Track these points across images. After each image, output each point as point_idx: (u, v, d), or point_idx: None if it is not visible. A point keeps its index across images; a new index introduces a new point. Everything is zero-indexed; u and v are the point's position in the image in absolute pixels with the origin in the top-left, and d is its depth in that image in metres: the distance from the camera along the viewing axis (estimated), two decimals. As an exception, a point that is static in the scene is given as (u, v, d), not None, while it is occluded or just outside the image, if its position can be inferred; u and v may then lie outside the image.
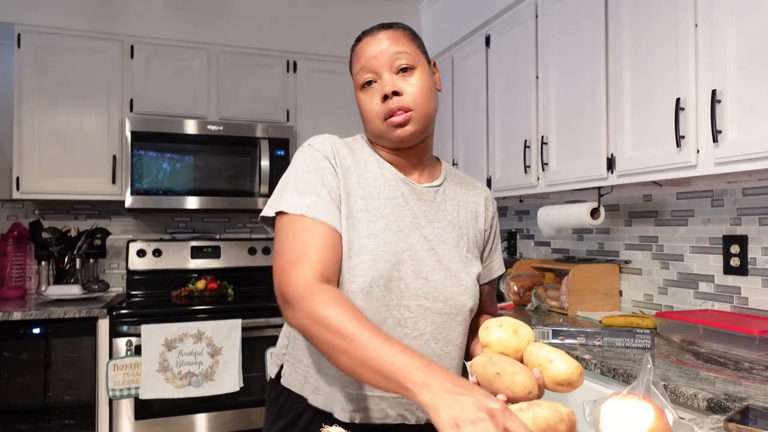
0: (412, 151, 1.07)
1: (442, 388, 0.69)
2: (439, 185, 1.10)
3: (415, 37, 1.07)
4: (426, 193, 1.07)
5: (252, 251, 3.41)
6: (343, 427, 0.92)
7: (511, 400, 0.79)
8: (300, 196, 0.96)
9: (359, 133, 1.14)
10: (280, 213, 0.97)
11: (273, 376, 1.11)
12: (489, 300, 1.22)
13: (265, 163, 3.08)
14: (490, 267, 1.19)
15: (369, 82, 1.03)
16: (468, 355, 1.10)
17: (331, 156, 1.02)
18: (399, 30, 1.05)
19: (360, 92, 1.05)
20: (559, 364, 0.83)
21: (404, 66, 1.01)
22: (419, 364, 0.73)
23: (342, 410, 0.98)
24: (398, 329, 0.99)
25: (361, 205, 1.01)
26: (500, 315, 1.05)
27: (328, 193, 0.98)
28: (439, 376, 0.71)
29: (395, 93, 1.00)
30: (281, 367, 1.09)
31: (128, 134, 2.92)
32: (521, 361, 0.87)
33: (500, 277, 2.76)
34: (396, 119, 1.00)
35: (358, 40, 1.07)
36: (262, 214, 1.01)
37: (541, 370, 0.83)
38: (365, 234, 0.98)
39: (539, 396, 0.81)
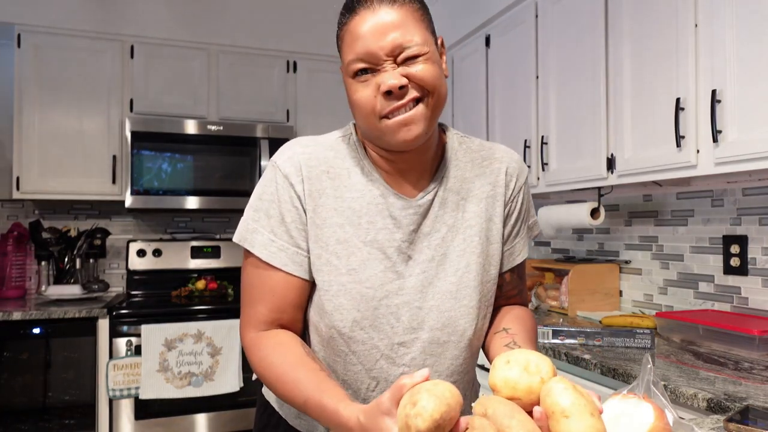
0: (409, 154, 0.89)
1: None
2: (437, 186, 0.92)
3: (424, 12, 0.87)
4: (420, 206, 0.90)
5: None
6: None
7: None
8: (257, 230, 0.88)
9: (351, 121, 0.96)
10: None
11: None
12: (514, 289, 1.02)
13: (265, 163, 3.08)
14: (511, 252, 0.99)
15: (364, 71, 0.83)
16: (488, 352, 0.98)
17: (298, 181, 0.88)
18: (406, 5, 0.83)
19: (350, 80, 0.85)
20: (574, 424, 0.64)
21: (413, 55, 0.82)
22: (335, 401, 0.74)
23: None
24: (394, 368, 0.89)
25: (339, 235, 0.87)
26: (512, 344, 0.90)
27: (286, 232, 0.88)
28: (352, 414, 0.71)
29: (401, 88, 0.81)
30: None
31: (128, 134, 2.92)
32: (538, 403, 0.69)
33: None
34: (400, 118, 0.82)
35: (351, 9, 0.84)
36: (235, 237, 0.93)
37: (550, 421, 0.66)
38: (345, 270, 0.87)
39: None
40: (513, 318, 0.98)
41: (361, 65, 0.82)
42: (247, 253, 0.90)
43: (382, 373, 0.89)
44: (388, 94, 0.81)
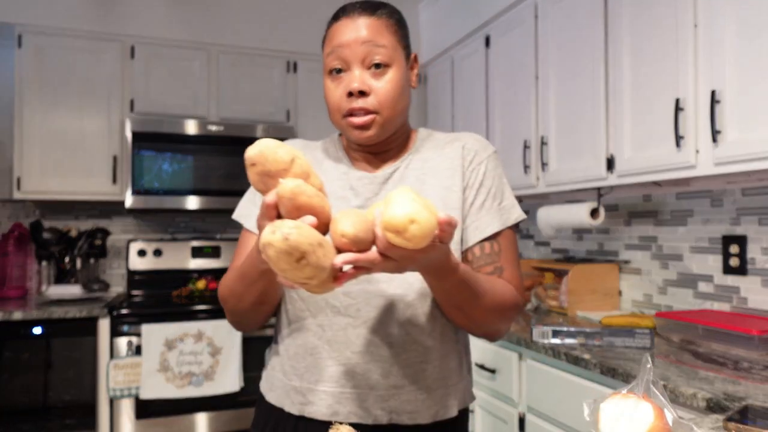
0: (373, 147, 1.00)
1: None
2: (399, 164, 1.00)
3: (399, 28, 0.97)
4: (377, 176, 0.98)
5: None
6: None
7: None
8: (244, 204, 1.05)
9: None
10: None
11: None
12: (488, 265, 0.97)
13: (265, 163, 3.08)
14: (477, 226, 0.97)
15: (338, 70, 0.94)
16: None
17: None
18: (383, 18, 0.95)
19: (327, 77, 0.96)
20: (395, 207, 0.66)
21: (378, 62, 0.92)
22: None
23: (291, 403, 0.96)
24: (339, 318, 0.93)
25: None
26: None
27: None
28: None
29: (361, 93, 0.92)
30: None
31: (129, 134, 2.92)
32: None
33: None
34: (356, 120, 0.92)
35: (336, 17, 0.96)
36: (233, 215, 1.07)
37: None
38: None
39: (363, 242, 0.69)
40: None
41: (336, 64, 0.94)
42: (242, 229, 1.05)
43: (327, 322, 0.94)
44: (350, 94, 0.92)
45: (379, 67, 0.93)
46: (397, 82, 0.94)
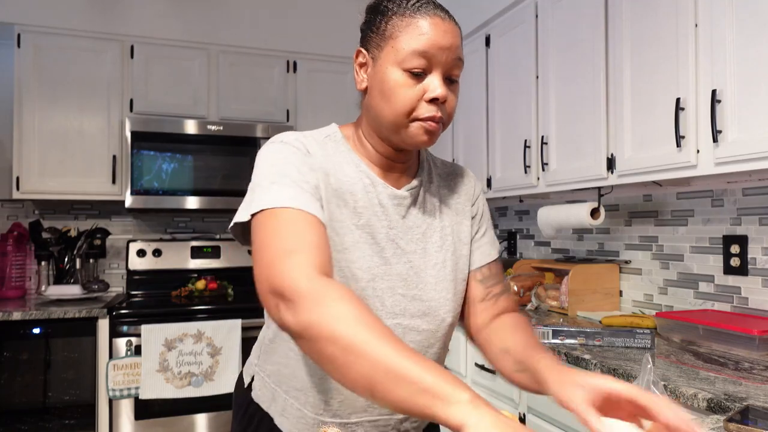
0: (405, 155, 0.96)
1: (487, 411, 0.58)
2: (419, 185, 0.98)
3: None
4: (405, 197, 0.95)
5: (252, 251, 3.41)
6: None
7: None
8: (280, 189, 0.81)
9: (334, 123, 1.01)
10: (256, 214, 0.82)
11: (245, 386, 1.06)
12: (497, 284, 1.04)
13: (265, 163, 3.08)
14: (482, 252, 1.04)
15: (421, 72, 0.85)
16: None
17: (304, 150, 0.90)
18: (459, 29, 0.90)
19: (400, 71, 0.85)
20: None
21: (454, 77, 0.89)
22: (460, 381, 0.62)
23: None
24: None
25: (336, 215, 0.89)
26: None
27: (311, 187, 0.85)
28: (483, 402, 0.60)
29: (442, 102, 0.87)
30: (252, 378, 1.06)
31: (128, 134, 2.92)
32: None
33: None
34: (432, 126, 0.87)
35: (419, 8, 0.86)
36: (234, 220, 0.85)
37: None
38: (340, 247, 0.89)
39: None
40: (517, 332, 0.98)
41: (422, 62, 0.85)
42: (269, 215, 0.79)
43: None
44: (434, 101, 0.86)
45: (452, 82, 0.89)
46: (457, 99, 0.92)
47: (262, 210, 0.80)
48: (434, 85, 0.85)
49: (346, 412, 0.94)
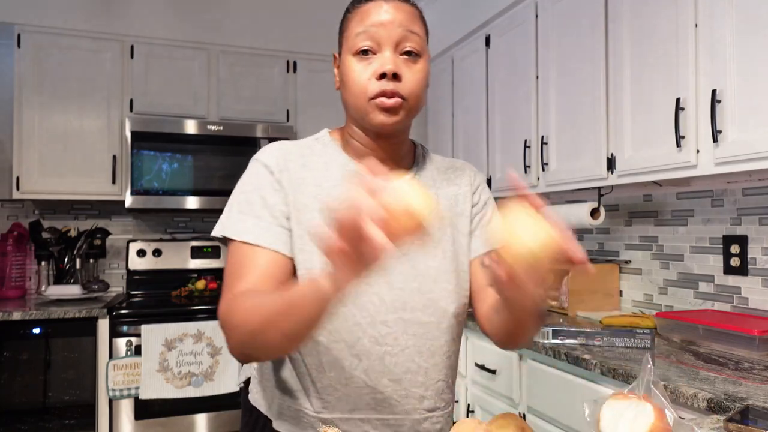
0: (387, 143, 0.96)
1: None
2: (412, 177, 0.98)
3: (425, 23, 0.96)
4: None
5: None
6: None
7: None
8: (240, 218, 0.90)
9: (326, 128, 1.05)
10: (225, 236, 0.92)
11: (242, 385, 1.05)
12: None
13: (265, 163, 3.08)
14: (487, 238, 1.04)
15: (365, 51, 0.89)
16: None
17: (277, 170, 0.93)
18: (414, 8, 0.92)
19: (352, 57, 0.90)
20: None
21: (410, 50, 0.89)
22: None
23: None
24: (376, 347, 0.91)
25: (320, 220, 0.90)
26: None
27: (270, 214, 0.90)
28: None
29: (395, 75, 0.87)
30: (248, 379, 1.05)
31: (128, 134, 2.92)
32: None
33: None
34: (387, 102, 0.87)
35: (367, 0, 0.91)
36: (213, 232, 0.94)
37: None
38: None
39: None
40: None
41: (368, 43, 0.88)
42: (231, 246, 0.90)
43: (364, 351, 0.91)
44: (382, 76, 0.87)
45: (411, 54, 0.90)
46: (426, 73, 0.92)
47: (227, 237, 0.91)
48: (381, 61, 0.88)
49: (347, 408, 0.92)
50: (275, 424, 0.97)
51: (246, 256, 0.88)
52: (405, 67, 0.89)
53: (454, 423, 1.00)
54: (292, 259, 0.91)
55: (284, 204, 0.91)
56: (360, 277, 0.66)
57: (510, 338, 0.95)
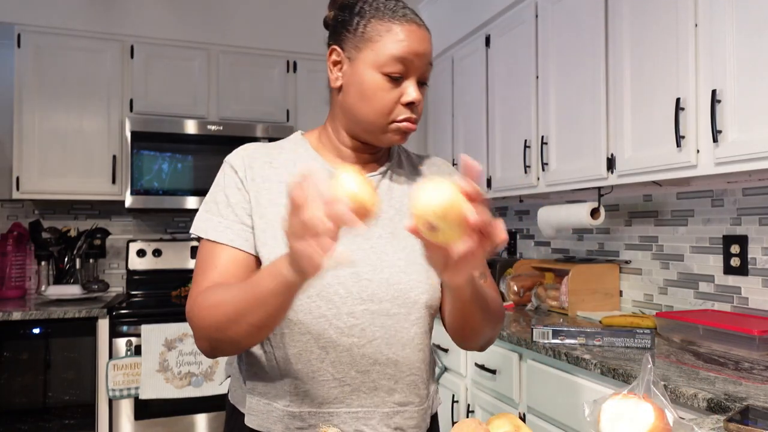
0: (373, 147, 1.00)
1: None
2: (384, 171, 1.02)
3: None
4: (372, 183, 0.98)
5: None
6: None
7: None
8: (207, 217, 0.95)
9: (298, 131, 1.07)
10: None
11: (220, 384, 1.07)
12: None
13: (265, 163, 3.08)
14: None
15: (399, 77, 0.91)
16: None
17: (242, 169, 0.96)
18: (430, 36, 0.97)
19: (380, 75, 0.91)
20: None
21: (425, 81, 0.96)
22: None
23: (286, 428, 0.92)
24: (344, 339, 0.91)
25: (284, 212, 0.91)
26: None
27: (232, 212, 0.94)
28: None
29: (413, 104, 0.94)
30: (228, 377, 1.06)
31: (128, 134, 2.92)
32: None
33: (501, 276, 2.74)
34: (408, 127, 0.94)
35: (394, 12, 0.92)
36: (191, 230, 0.99)
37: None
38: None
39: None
40: None
41: (400, 68, 0.91)
42: (200, 244, 0.96)
43: (330, 343, 0.91)
44: (410, 104, 0.92)
45: (422, 84, 0.95)
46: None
47: (198, 235, 0.96)
48: (411, 89, 0.92)
49: (316, 402, 0.92)
50: (246, 420, 0.96)
51: (210, 254, 0.93)
52: (421, 94, 0.94)
53: (454, 423, 1.00)
54: (255, 257, 0.93)
55: (246, 202, 0.94)
56: (318, 262, 0.67)
57: (461, 335, 0.97)
